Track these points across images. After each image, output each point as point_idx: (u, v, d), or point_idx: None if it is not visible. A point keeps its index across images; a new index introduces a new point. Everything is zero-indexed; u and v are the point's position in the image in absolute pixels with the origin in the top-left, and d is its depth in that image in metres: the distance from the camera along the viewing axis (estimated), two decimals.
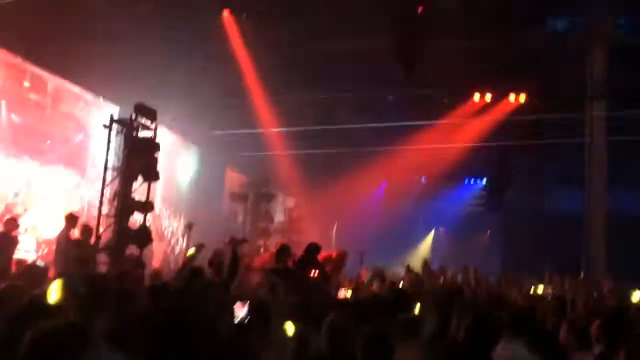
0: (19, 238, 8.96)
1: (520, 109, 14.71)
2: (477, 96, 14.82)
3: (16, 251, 8.90)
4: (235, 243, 5.55)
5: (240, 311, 4.17)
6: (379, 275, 7.83)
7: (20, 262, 8.23)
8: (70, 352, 2.02)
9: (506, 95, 14.72)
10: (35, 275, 5.86)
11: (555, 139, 14.44)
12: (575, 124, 13.60)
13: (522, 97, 14.47)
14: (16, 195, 10.61)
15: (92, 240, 8.88)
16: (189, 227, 10.17)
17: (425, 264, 5.79)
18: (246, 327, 3.41)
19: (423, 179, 21.84)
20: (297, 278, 6.15)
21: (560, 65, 12.75)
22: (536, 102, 14.29)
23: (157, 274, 7.97)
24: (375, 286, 8.10)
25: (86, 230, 9.02)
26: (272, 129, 15.56)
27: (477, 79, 13.72)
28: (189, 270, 5.02)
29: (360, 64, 12.77)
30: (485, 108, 15.18)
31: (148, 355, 2.62)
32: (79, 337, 2.09)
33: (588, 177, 13.36)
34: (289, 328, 3.63)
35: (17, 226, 8.88)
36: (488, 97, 14.78)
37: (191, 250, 5.77)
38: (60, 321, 2.18)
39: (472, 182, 22.82)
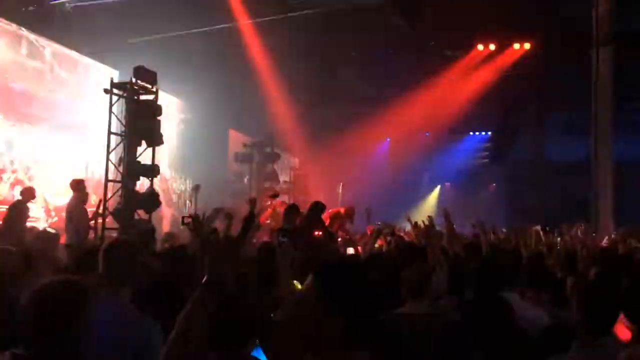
0: (29, 206, 9.03)
1: (524, 58, 14.50)
2: (480, 47, 14.59)
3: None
4: (253, 202, 5.48)
5: None
6: (389, 230, 7.75)
7: (32, 229, 8.32)
8: (69, 307, 2.01)
9: (510, 44, 14.47)
10: (48, 242, 5.94)
11: (561, 87, 14.30)
12: (581, 70, 13.42)
13: (527, 45, 14.22)
14: (20, 163, 10.64)
15: (100, 206, 8.93)
16: (195, 189, 10.22)
17: (431, 220, 5.80)
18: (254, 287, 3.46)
19: (427, 134, 21.76)
20: (303, 237, 6.20)
21: (565, 11, 12.48)
22: (540, 50, 14.04)
23: (170, 236, 8.00)
24: (380, 241, 8.12)
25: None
26: (273, 88, 15.40)
27: (480, 28, 13.46)
28: (206, 234, 5.03)
29: (362, 17, 12.51)
30: (489, 58, 14.96)
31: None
32: (78, 293, 2.07)
33: (594, 124, 13.23)
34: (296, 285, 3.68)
35: (33, 196, 8.91)
36: (492, 47, 14.54)
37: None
38: (61, 277, 2.16)
39: (476, 135, 22.73)
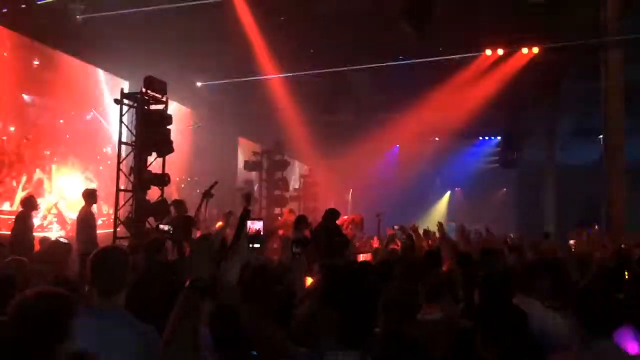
0: (48, 217, 9.06)
1: (533, 62, 14.42)
2: (488, 52, 14.54)
3: (42, 229, 9.04)
4: (247, 197, 5.53)
5: None
6: (407, 234, 7.67)
7: (44, 239, 8.37)
8: (53, 321, 1.93)
9: (518, 48, 14.40)
10: (59, 252, 5.98)
11: (571, 90, 14.20)
12: (590, 73, 13.34)
13: (535, 49, 14.14)
14: (37, 175, 10.74)
15: (112, 215, 8.98)
16: (206, 197, 10.23)
17: (441, 226, 5.81)
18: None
19: (437, 139, 21.73)
20: (320, 243, 6.27)
21: (572, 14, 12.42)
22: (549, 53, 13.95)
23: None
24: (394, 246, 8.10)
25: None
26: (282, 95, 15.45)
27: (488, 33, 13.41)
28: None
29: (369, 25, 12.51)
30: (497, 63, 14.91)
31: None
32: (64, 307, 2.00)
33: (605, 126, 13.13)
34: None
35: (35, 206, 8.95)
36: (500, 51, 14.47)
37: (220, 223, 5.81)
38: (46, 288, 2.08)
39: (486, 139, 22.67)
